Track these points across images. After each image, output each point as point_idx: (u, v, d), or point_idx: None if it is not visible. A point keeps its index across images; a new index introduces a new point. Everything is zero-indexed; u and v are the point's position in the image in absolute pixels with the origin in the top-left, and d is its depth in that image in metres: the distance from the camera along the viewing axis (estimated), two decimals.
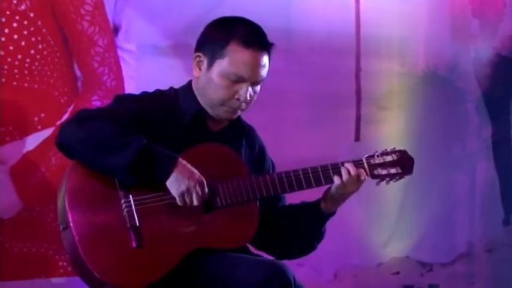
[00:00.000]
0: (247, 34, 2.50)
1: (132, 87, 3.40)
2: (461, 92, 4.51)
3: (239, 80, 2.50)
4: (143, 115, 2.48)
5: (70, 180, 2.40)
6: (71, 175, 2.41)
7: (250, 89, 2.52)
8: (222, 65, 2.50)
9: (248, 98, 2.52)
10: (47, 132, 3.28)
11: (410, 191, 4.19)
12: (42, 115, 3.27)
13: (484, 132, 4.60)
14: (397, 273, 4.33)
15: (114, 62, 3.41)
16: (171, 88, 2.63)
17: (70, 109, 3.33)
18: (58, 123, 3.29)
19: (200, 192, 2.41)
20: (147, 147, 2.37)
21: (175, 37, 3.56)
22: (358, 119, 4.16)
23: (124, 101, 2.50)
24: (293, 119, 3.95)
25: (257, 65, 2.51)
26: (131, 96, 2.55)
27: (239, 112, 2.56)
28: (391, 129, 4.23)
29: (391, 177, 2.62)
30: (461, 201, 4.54)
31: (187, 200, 2.41)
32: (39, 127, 3.27)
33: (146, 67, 3.48)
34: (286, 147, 3.70)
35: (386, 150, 2.63)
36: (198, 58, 2.55)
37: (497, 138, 4.63)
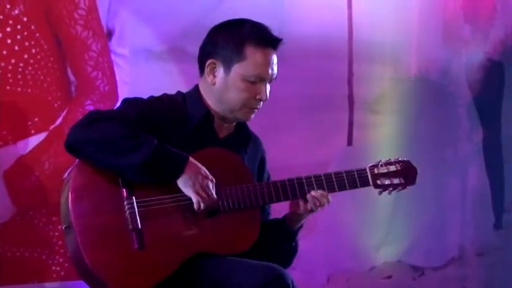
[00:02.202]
0: (260, 34, 2.53)
1: (125, 92, 3.40)
2: (453, 97, 4.52)
3: (259, 80, 2.53)
4: (151, 119, 2.49)
5: (74, 179, 2.41)
6: (75, 175, 2.42)
7: (268, 86, 2.55)
8: (241, 68, 2.51)
9: (268, 96, 2.55)
10: (41, 136, 3.27)
11: (402, 195, 4.19)
12: (36, 119, 3.27)
13: (475, 137, 4.62)
14: (390, 277, 4.33)
15: (108, 66, 3.41)
16: (179, 92, 2.64)
17: (63, 114, 3.32)
18: (51, 127, 3.29)
19: (211, 191, 2.42)
20: (159, 147, 2.38)
21: (169, 42, 3.56)
22: (350, 124, 4.17)
23: (132, 104, 2.51)
24: (285, 124, 3.95)
25: (273, 63, 2.55)
26: (139, 99, 2.56)
27: (255, 111, 2.58)
28: (384, 134, 4.24)
29: (394, 187, 2.63)
30: (452, 205, 4.56)
31: (202, 197, 2.40)
32: (33, 131, 3.26)
33: (140, 72, 3.48)
34: (279, 151, 3.70)
35: (390, 160, 2.63)
36: (211, 66, 2.55)
37: (488, 143, 4.65)
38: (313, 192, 2.54)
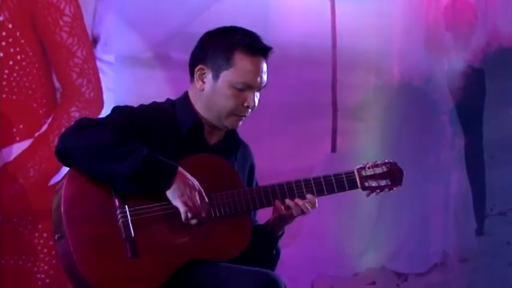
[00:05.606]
0: (250, 42, 2.53)
1: (111, 98, 3.40)
2: (436, 104, 4.56)
3: (247, 87, 2.53)
4: (140, 126, 2.48)
5: (66, 189, 2.39)
6: (67, 183, 2.40)
7: (257, 94, 2.56)
8: (229, 75, 2.51)
9: (256, 104, 2.55)
10: (26, 143, 3.26)
11: (385, 202, 4.22)
12: (21, 126, 3.26)
13: (457, 143, 4.66)
14: (373, 283, 4.35)
15: (93, 73, 3.41)
16: (168, 100, 2.64)
17: (49, 121, 3.32)
18: (37, 134, 3.28)
19: (199, 202, 2.42)
20: (149, 156, 2.38)
21: (154, 48, 3.56)
22: (334, 131, 4.18)
23: (122, 112, 2.50)
24: (269, 131, 3.96)
25: (262, 71, 2.55)
26: (129, 107, 2.55)
27: (243, 119, 2.59)
28: (367, 141, 4.26)
29: (381, 188, 2.64)
30: (435, 212, 4.58)
31: (189, 209, 2.41)
32: (18, 138, 3.25)
33: (125, 78, 3.48)
34: (262, 158, 3.70)
35: (376, 162, 2.65)
36: (200, 71, 2.55)
37: (469, 149, 4.69)
38: (296, 200, 2.55)
